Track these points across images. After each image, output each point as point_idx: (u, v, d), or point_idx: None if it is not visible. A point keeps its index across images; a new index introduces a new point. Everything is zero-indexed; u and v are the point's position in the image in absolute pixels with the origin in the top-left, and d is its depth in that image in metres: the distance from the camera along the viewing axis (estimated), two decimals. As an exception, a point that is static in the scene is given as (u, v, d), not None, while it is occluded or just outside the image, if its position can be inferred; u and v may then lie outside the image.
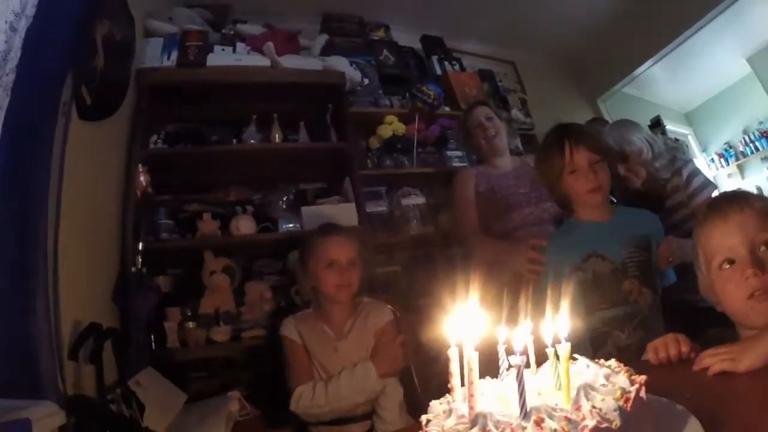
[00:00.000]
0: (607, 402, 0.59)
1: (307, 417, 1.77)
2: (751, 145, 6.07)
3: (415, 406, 1.81)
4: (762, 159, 6.05)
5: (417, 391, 1.90)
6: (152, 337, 2.08)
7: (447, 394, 0.76)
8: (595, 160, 1.71)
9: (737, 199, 1.19)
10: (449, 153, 3.14)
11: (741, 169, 6.30)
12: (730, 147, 6.36)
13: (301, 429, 1.82)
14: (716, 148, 6.51)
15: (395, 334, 1.90)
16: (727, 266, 1.11)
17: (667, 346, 1.14)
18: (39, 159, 1.25)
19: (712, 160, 6.47)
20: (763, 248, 1.08)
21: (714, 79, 5.82)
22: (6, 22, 1.16)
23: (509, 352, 0.70)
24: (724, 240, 1.12)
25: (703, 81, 5.78)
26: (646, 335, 1.53)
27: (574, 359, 0.73)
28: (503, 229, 2.29)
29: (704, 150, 6.59)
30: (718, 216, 1.15)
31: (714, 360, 0.96)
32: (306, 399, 1.73)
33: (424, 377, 1.96)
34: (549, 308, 0.76)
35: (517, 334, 0.69)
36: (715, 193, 2.06)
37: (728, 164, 6.35)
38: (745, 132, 6.16)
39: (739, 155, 6.25)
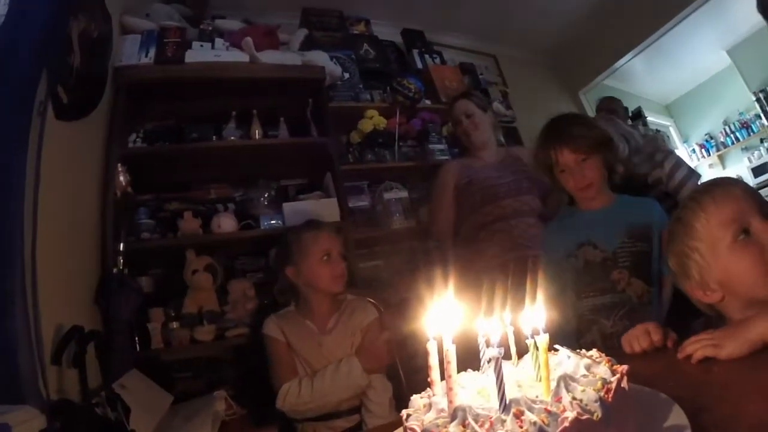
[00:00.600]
0: (587, 393, 0.59)
1: (293, 414, 1.77)
2: (731, 135, 6.18)
3: (401, 401, 1.82)
4: (742, 149, 6.15)
5: (403, 385, 1.91)
6: (136, 338, 2.06)
7: (428, 388, 0.76)
8: (581, 159, 1.71)
9: (730, 178, 1.20)
10: (431, 146, 3.12)
11: (722, 159, 6.40)
12: (711, 138, 6.45)
13: (288, 427, 1.82)
14: (697, 138, 6.60)
15: (380, 331, 1.91)
16: (743, 237, 1.07)
17: (638, 339, 1.16)
18: (14, 160, 1.23)
19: (693, 151, 6.56)
20: None
21: (695, 71, 5.91)
22: (-23, 20, 1.13)
23: (489, 344, 0.70)
24: (734, 212, 1.08)
25: (684, 73, 5.86)
26: (633, 325, 1.55)
27: (555, 350, 0.73)
28: (482, 221, 2.31)
29: (685, 141, 6.68)
30: (720, 192, 1.12)
31: (697, 347, 0.97)
32: (292, 396, 1.74)
33: (409, 372, 1.97)
34: (528, 299, 0.76)
35: (495, 326, 0.68)
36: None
37: (709, 155, 6.45)
38: (725, 123, 6.26)
39: (720, 146, 6.35)
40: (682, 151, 6.38)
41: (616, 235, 1.69)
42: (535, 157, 1.86)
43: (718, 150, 6.37)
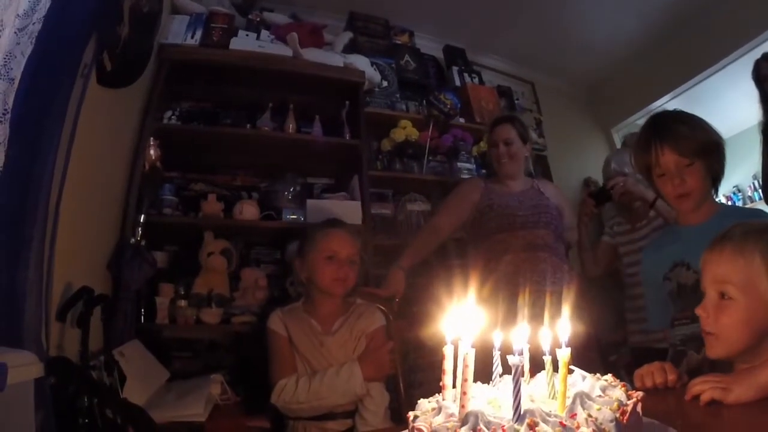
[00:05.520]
0: (603, 412, 0.57)
1: (286, 410, 1.76)
2: (759, 191, 6.05)
3: (397, 414, 1.80)
4: (768, 207, 6.02)
5: (401, 398, 1.87)
6: (142, 310, 2.08)
7: (437, 393, 0.74)
8: (684, 164, 1.52)
9: None
10: (459, 164, 3.12)
11: (747, 213, 6.28)
12: (739, 190, 6.34)
13: (279, 420, 1.80)
14: (725, 189, 6.48)
15: (385, 340, 1.88)
16: None
17: (653, 375, 1.13)
18: (53, 112, 1.23)
19: (719, 201, 6.46)
20: None
21: (729, 122, 5.76)
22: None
23: (504, 357, 0.68)
24: None
25: (718, 122, 5.71)
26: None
27: (571, 371, 0.71)
28: (494, 249, 2.23)
29: (713, 189, 6.59)
30: None
31: (705, 387, 0.95)
32: (287, 393, 1.72)
33: (410, 385, 1.94)
34: (547, 316, 0.74)
35: (517, 335, 0.66)
36: None
37: (734, 207, 6.35)
38: (755, 177, 6.14)
39: (747, 200, 6.23)
40: (708, 199, 6.31)
41: None
42: (635, 155, 1.67)
43: (744, 203, 6.26)
